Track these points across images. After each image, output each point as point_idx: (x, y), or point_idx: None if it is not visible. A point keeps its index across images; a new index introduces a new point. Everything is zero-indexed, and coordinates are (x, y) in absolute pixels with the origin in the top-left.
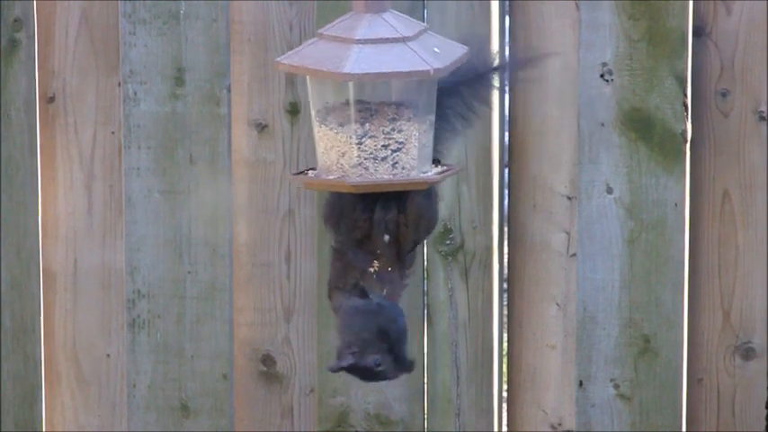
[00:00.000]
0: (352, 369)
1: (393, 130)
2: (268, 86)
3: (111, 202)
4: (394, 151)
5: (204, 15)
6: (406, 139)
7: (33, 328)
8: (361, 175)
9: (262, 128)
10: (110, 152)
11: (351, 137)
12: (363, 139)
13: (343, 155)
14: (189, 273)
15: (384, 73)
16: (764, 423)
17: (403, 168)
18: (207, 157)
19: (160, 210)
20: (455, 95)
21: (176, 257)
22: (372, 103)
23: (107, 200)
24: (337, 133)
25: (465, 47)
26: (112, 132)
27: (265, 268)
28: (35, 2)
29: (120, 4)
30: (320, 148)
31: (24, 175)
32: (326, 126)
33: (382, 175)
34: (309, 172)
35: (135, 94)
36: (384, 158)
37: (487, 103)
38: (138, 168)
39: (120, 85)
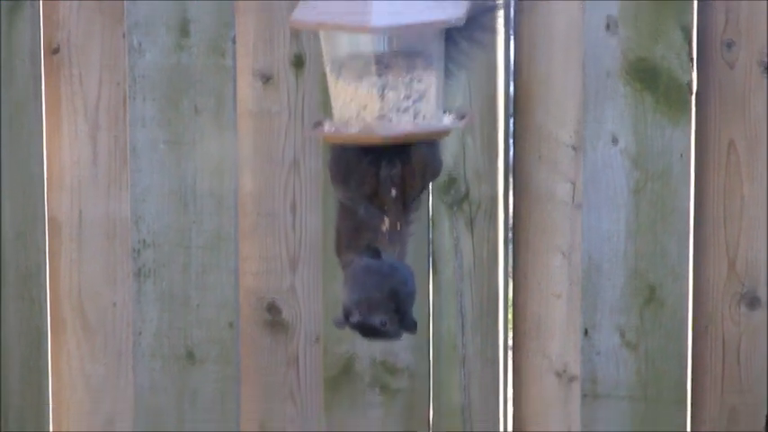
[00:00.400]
0: (357, 326)
1: (412, 80)
2: (273, 38)
3: (116, 152)
4: (415, 101)
5: None
6: (426, 89)
7: (39, 278)
8: (384, 127)
9: (267, 79)
10: (114, 103)
11: (372, 90)
12: (385, 91)
13: (365, 108)
14: (194, 222)
15: (410, 23)
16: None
17: (424, 117)
18: (212, 109)
19: (165, 160)
20: (447, 39)
21: (181, 207)
22: (387, 54)
23: (112, 150)
24: (357, 87)
25: None
26: (117, 83)
27: (270, 218)
28: None
29: None
30: (338, 102)
31: (29, 125)
32: (344, 80)
33: (405, 126)
34: (325, 125)
35: (140, 45)
36: (406, 109)
37: (480, 43)
38: (143, 119)
39: (124, 36)
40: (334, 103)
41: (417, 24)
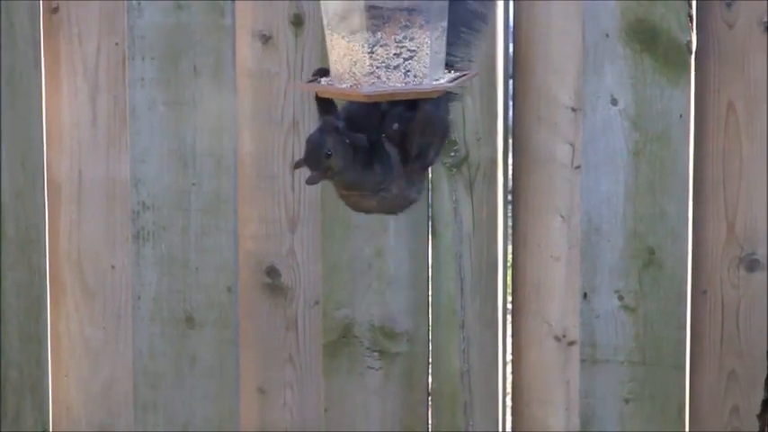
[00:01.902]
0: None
1: (405, 38)
2: None
3: (115, 113)
4: (406, 59)
5: None
6: (418, 47)
7: (38, 239)
8: (373, 83)
9: (266, 39)
10: (114, 63)
11: (363, 45)
12: (375, 48)
13: (356, 63)
14: (193, 185)
15: None
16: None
17: (415, 77)
18: (211, 68)
19: (164, 121)
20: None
21: (181, 169)
22: (385, 9)
23: (111, 111)
24: (349, 41)
25: None
26: (116, 43)
27: (270, 180)
28: None
29: None
30: (333, 56)
31: (28, 85)
32: (338, 34)
33: (394, 83)
34: (322, 79)
35: (139, 4)
36: (396, 67)
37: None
38: (143, 79)
39: None
40: (329, 57)
41: None
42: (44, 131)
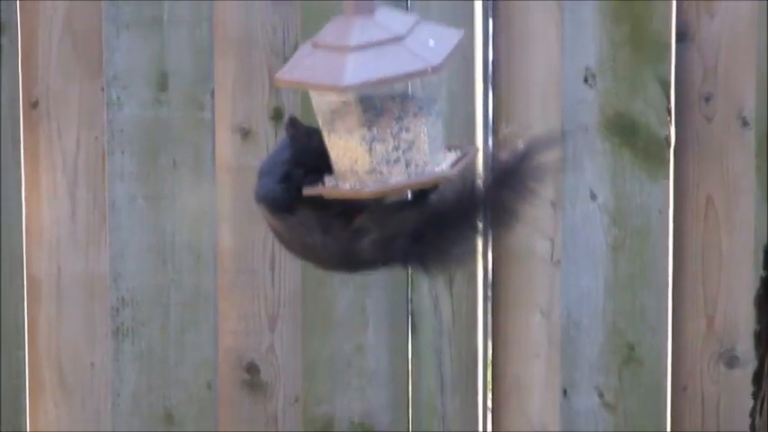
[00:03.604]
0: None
1: (401, 129)
2: (252, 91)
3: (94, 208)
4: (405, 151)
5: (188, 19)
6: (416, 137)
7: (17, 336)
8: (376, 180)
9: (246, 133)
10: (93, 157)
11: (360, 143)
12: (373, 144)
13: (356, 161)
14: (173, 280)
15: (382, 78)
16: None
17: (416, 166)
18: (190, 163)
19: (144, 215)
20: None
21: (160, 264)
22: (377, 99)
23: (90, 206)
24: (347, 141)
25: (460, 31)
26: (96, 137)
27: (249, 275)
28: (18, 5)
29: (103, 6)
30: (332, 155)
31: (8, 180)
32: (335, 134)
33: (397, 176)
34: (326, 180)
35: (118, 98)
36: (396, 160)
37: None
38: (122, 174)
39: (103, 89)
40: (330, 157)
41: (390, 78)
42: (23, 226)
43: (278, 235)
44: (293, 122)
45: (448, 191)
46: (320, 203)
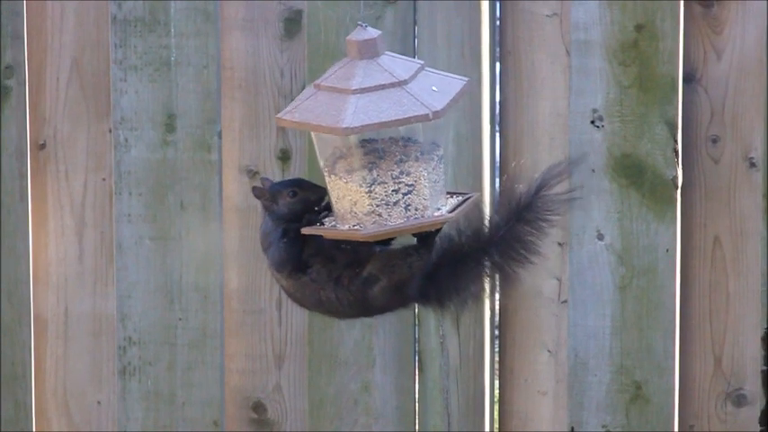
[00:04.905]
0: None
1: (401, 173)
2: (259, 133)
3: (101, 248)
4: (405, 194)
5: (195, 62)
6: (416, 181)
7: (24, 375)
8: (375, 221)
9: (253, 174)
10: (101, 199)
11: (360, 185)
12: (373, 186)
13: (356, 203)
14: (180, 319)
15: (382, 122)
16: None
17: (416, 209)
18: (198, 204)
19: (151, 256)
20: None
21: (167, 304)
22: (380, 141)
23: (98, 246)
24: (347, 182)
25: (465, 79)
26: (103, 179)
27: (256, 315)
28: (26, 49)
29: (111, 50)
30: (333, 197)
31: (16, 221)
32: (336, 175)
33: (396, 219)
34: (325, 221)
35: (126, 140)
36: (396, 203)
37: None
38: (129, 215)
39: (110, 131)
40: (330, 198)
41: (390, 122)
42: (30, 267)
43: (290, 294)
44: (254, 188)
45: (462, 230)
46: (329, 257)
